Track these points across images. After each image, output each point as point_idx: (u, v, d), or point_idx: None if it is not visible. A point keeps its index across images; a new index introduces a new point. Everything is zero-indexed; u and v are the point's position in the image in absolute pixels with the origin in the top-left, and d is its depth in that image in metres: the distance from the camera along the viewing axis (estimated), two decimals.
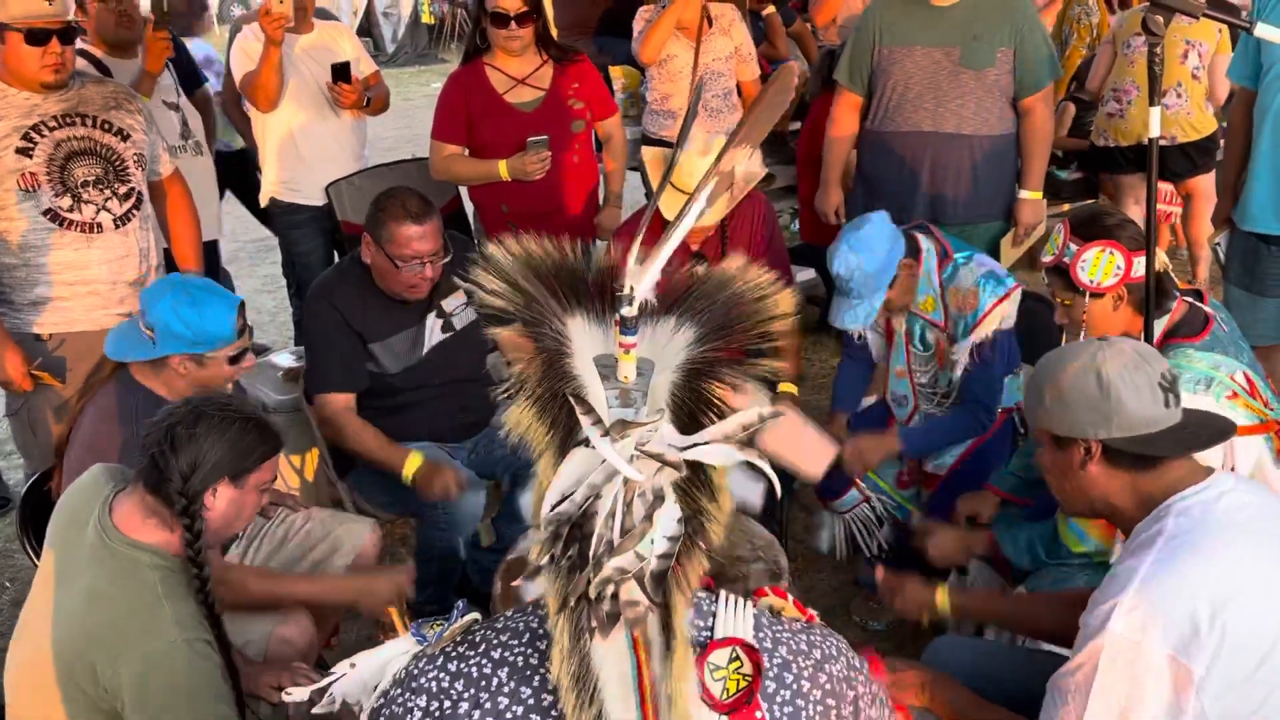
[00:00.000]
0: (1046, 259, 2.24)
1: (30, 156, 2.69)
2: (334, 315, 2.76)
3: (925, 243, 2.66)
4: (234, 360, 2.26)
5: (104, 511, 1.76)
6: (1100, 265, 2.15)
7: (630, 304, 0.98)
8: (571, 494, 0.95)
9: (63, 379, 2.78)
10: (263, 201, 4.07)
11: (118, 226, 2.84)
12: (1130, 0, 5.67)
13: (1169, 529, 1.52)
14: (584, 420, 0.95)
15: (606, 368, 1.02)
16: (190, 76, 4.16)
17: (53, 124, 2.74)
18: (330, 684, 1.32)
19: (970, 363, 2.63)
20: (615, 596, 0.95)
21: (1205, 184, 4.76)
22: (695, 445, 0.97)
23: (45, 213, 2.73)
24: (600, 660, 0.99)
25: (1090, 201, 5.24)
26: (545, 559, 0.96)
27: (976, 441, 2.73)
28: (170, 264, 3.13)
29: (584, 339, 1.03)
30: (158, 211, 3.06)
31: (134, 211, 2.88)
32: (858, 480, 2.83)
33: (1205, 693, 1.43)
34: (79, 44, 3.62)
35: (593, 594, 0.95)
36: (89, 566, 1.72)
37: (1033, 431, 1.77)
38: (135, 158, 2.88)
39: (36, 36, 2.64)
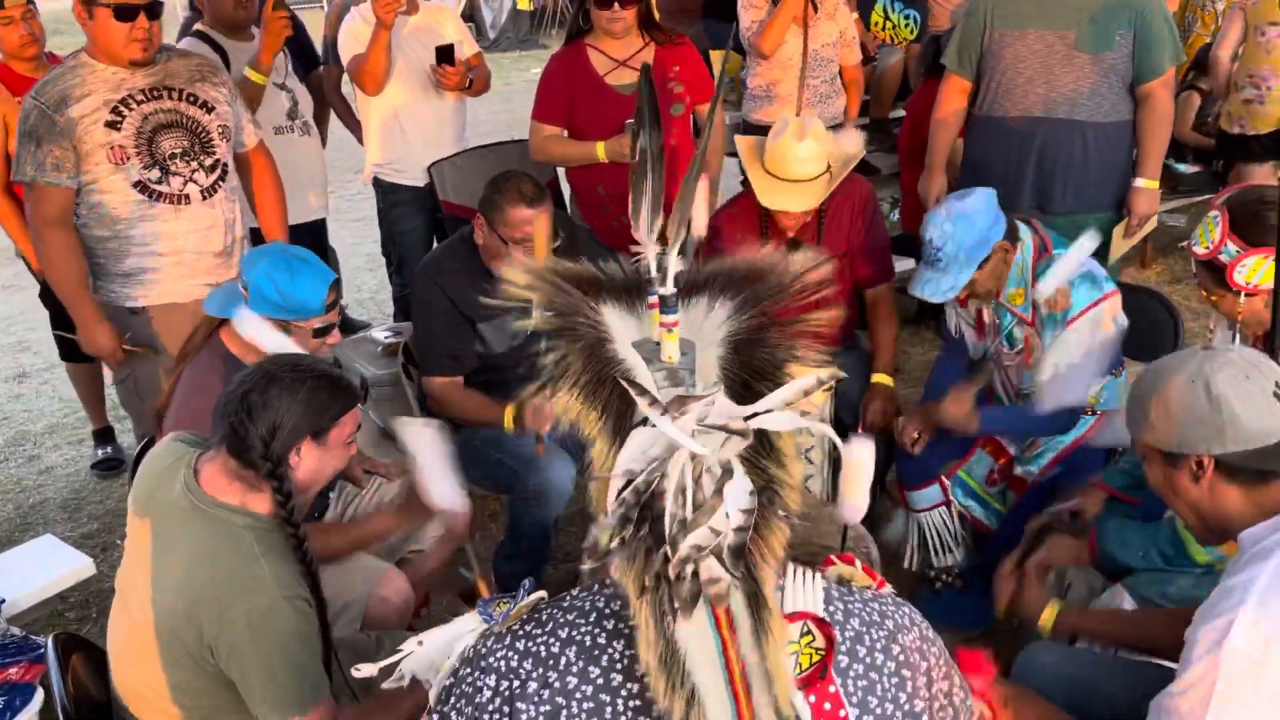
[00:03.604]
0: (1199, 250, 2.13)
1: (119, 130, 2.74)
2: (442, 300, 2.80)
3: (1025, 233, 2.57)
4: (319, 334, 2.29)
5: (190, 476, 1.78)
6: (1261, 270, 2.04)
7: (664, 282, 0.97)
8: (637, 475, 0.93)
9: (156, 350, 2.87)
10: (364, 180, 4.15)
11: (204, 198, 2.89)
12: None
13: None
14: (640, 401, 0.93)
15: (649, 351, 1.01)
16: (307, 58, 4.25)
17: (140, 97, 2.78)
18: (398, 662, 1.33)
19: (1054, 372, 2.50)
20: (695, 575, 0.93)
21: None
22: (756, 414, 0.94)
23: (135, 185, 2.79)
24: (686, 642, 0.97)
25: (1247, 186, 5.02)
26: (617, 543, 0.94)
27: (1069, 448, 2.63)
28: (257, 238, 3.18)
29: (620, 326, 1.02)
30: (243, 183, 3.10)
31: (220, 183, 2.92)
32: (943, 479, 2.76)
33: None
34: (196, 27, 3.76)
35: (673, 574, 0.93)
36: (183, 530, 1.75)
37: (1137, 449, 1.68)
38: (220, 130, 2.92)
39: (124, 13, 2.68)
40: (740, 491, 0.93)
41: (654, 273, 0.98)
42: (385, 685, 1.37)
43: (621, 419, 0.99)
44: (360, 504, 2.65)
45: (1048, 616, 1.99)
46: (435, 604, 2.76)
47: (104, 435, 4.01)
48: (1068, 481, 2.53)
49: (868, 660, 1.07)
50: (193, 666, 1.71)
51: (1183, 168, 5.38)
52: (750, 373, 1.00)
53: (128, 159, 2.76)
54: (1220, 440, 1.52)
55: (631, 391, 0.94)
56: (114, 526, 3.58)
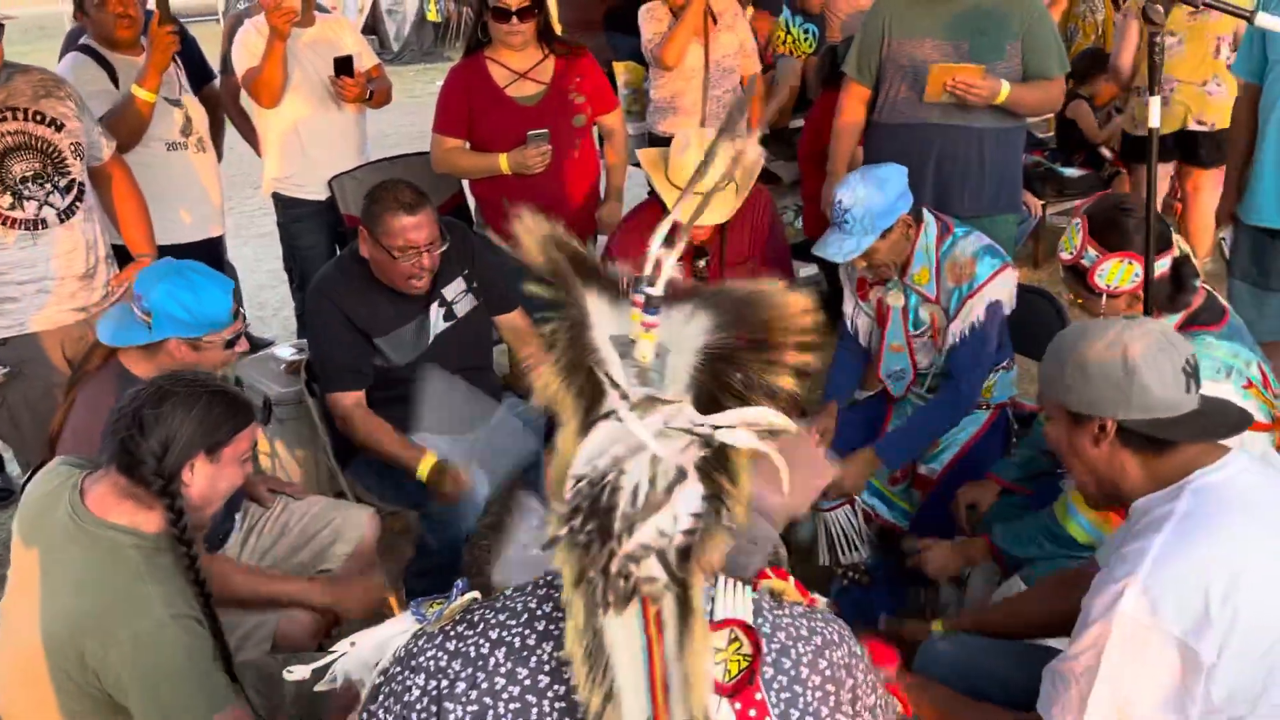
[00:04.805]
0: (1064, 255, 2.24)
1: None
2: (336, 314, 2.74)
3: (929, 216, 2.68)
4: (229, 344, 2.25)
5: (75, 497, 1.72)
6: (1119, 273, 2.16)
7: (654, 284, 0.97)
8: (595, 468, 0.94)
9: (22, 381, 2.75)
10: (264, 195, 4.06)
11: (62, 221, 2.79)
12: None
13: (1181, 509, 1.49)
14: (612, 393, 0.94)
15: (623, 346, 1.01)
16: (199, 72, 4.14)
17: None
18: (331, 663, 1.32)
19: (959, 337, 2.61)
20: (630, 574, 0.94)
21: (1218, 176, 4.78)
22: (719, 426, 0.96)
23: None
24: (613, 637, 0.98)
25: (1107, 194, 5.22)
26: (564, 531, 0.95)
27: (968, 443, 2.71)
28: (123, 253, 3.07)
29: (601, 315, 1.02)
30: (103, 198, 3.00)
31: (77, 204, 2.83)
32: None
33: (1214, 678, 1.41)
34: (82, 41, 3.63)
35: (615, 569, 0.94)
36: (67, 553, 1.69)
37: (1045, 404, 1.74)
38: (72, 147, 2.81)
39: None
40: (693, 496, 0.94)
41: (647, 270, 0.97)
42: (319, 688, 1.35)
43: (591, 407, 0.98)
44: (267, 524, 2.59)
45: (937, 628, 2.10)
46: (347, 623, 2.72)
47: None
48: (970, 476, 2.61)
49: (792, 673, 1.08)
50: (77, 692, 1.66)
51: (1070, 172, 5.59)
52: (719, 387, 0.99)
53: None
54: (1126, 406, 1.56)
55: (605, 383, 0.94)
56: (5, 558, 3.42)
